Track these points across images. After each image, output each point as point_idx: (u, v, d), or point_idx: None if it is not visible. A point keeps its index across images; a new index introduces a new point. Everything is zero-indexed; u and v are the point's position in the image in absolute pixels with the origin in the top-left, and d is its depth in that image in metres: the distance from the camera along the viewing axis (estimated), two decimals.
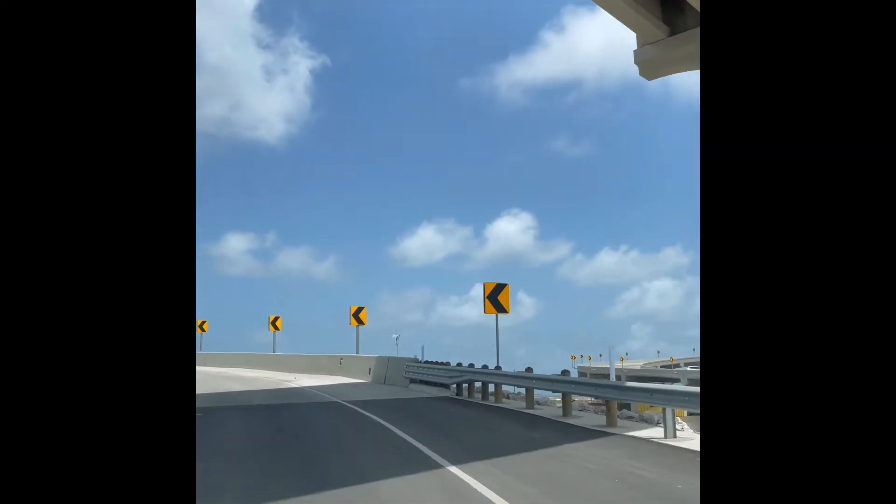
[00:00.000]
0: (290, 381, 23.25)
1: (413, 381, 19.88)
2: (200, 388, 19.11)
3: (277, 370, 30.22)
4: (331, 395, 17.28)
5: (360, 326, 27.77)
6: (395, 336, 26.40)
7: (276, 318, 34.37)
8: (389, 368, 21.73)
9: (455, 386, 17.56)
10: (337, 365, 26.06)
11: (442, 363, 18.56)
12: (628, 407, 14.01)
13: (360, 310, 28.16)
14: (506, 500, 5.77)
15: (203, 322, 38.65)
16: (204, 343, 38.72)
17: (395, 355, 22.30)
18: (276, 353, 32.80)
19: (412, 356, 20.92)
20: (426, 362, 19.84)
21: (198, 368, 30.51)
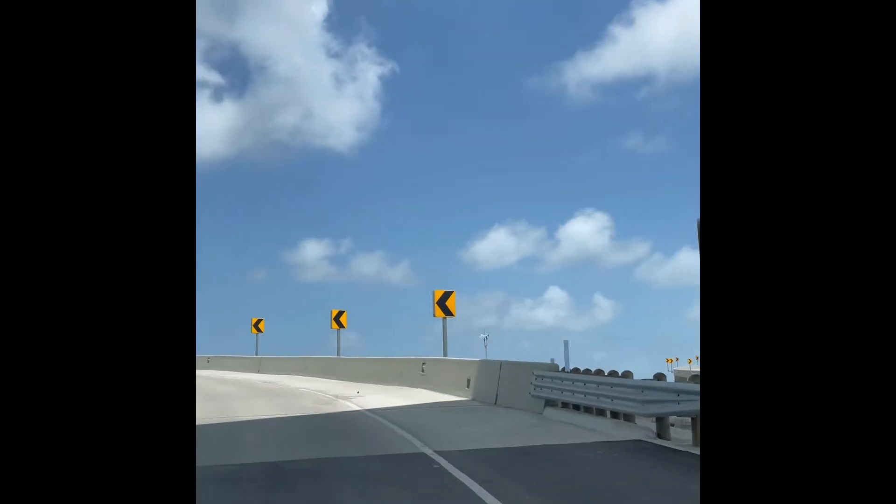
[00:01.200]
0: (350, 398, 15.44)
1: (550, 402, 11.47)
2: (211, 415, 11.79)
3: (340, 378, 22.04)
4: (411, 433, 9.32)
5: (448, 319, 19.28)
6: (482, 336, 19.47)
7: (341, 313, 26.10)
8: (503, 380, 13.25)
9: (655, 421, 8.99)
10: (418, 373, 17.77)
11: (618, 375, 9.86)
12: None
13: (446, 296, 19.78)
14: None
15: (259, 321, 31.10)
16: (264, 345, 31.83)
17: (514, 360, 13.35)
18: (342, 357, 24.39)
19: (550, 361, 12.01)
20: (577, 372, 11.12)
21: (241, 377, 24.71)
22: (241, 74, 45.30)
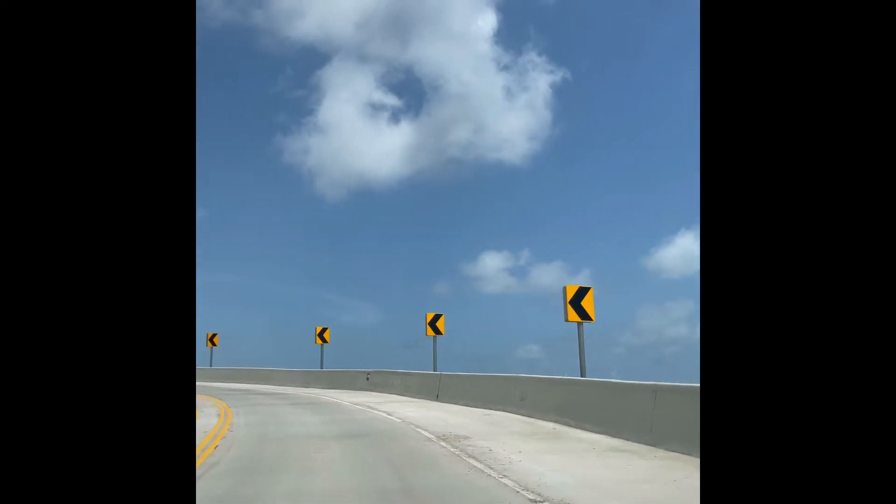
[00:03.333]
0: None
1: None
2: None
3: (526, 411, 12.33)
4: None
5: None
6: None
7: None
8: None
9: None
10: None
11: None
12: None
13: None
14: None
15: (438, 317, 19.21)
16: (449, 360, 25.15)
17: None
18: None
19: None
20: None
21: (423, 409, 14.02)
22: (417, 95, 45.76)
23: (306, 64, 45.65)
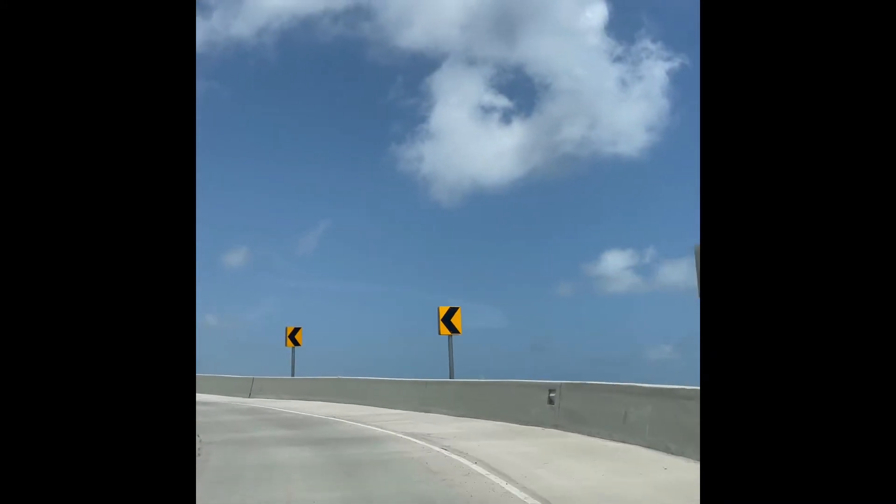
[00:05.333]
0: None
1: None
2: None
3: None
4: None
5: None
6: None
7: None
8: None
9: None
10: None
11: None
12: None
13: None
14: None
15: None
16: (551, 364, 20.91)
17: None
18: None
19: None
20: None
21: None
22: (527, 94, 44.93)
23: (416, 72, 45.96)
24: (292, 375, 21.69)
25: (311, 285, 42.18)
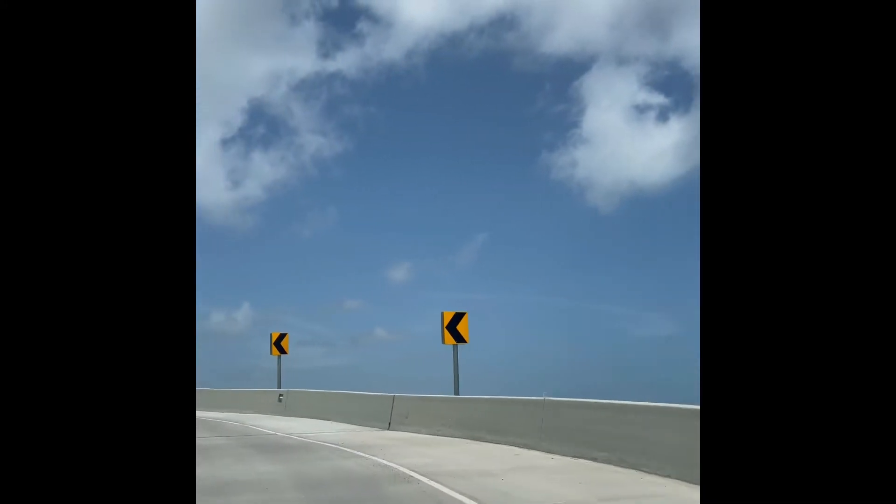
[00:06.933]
0: None
1: None
2: None
3: None
4: None
5: None
6: None
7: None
8: None
9: None
10: None
11: None
12: None
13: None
14: None
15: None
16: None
17: None
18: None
19: None
20: None
21: None
22: (684, 89, 44.04)
23: (564, 77, 44.78)
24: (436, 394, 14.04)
25: (473, 297, 41.52)
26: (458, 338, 13.66)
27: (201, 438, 10.82)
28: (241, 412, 19.29)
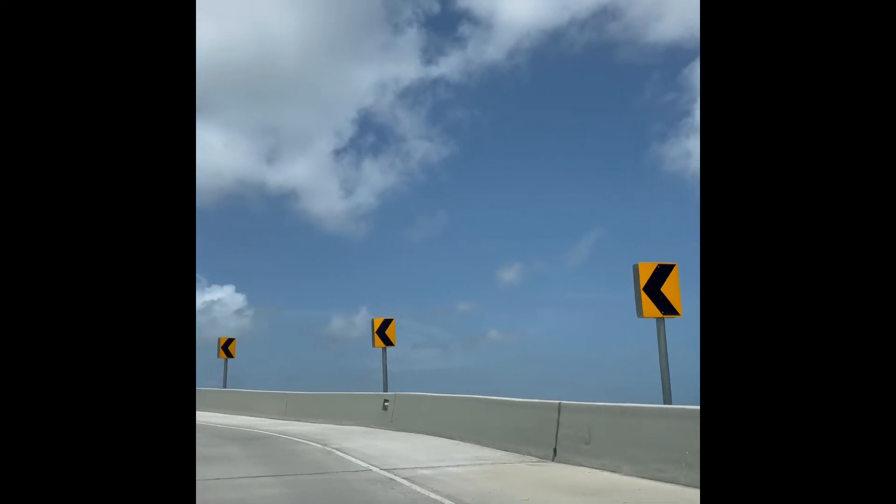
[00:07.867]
0: None
1: None
2: None
3: None
4: None
5: None
6: None
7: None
8: None
9: None
10: None
11: None
12: None
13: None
14: None
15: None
16: None
17: None
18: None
19: None
20: None
21: None
22: None
23: (672, 65, 42.91)
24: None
25: (586, 296, 39.66)
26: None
27: (235, 480, 7.04)
28: (336, 422, 14.72)
